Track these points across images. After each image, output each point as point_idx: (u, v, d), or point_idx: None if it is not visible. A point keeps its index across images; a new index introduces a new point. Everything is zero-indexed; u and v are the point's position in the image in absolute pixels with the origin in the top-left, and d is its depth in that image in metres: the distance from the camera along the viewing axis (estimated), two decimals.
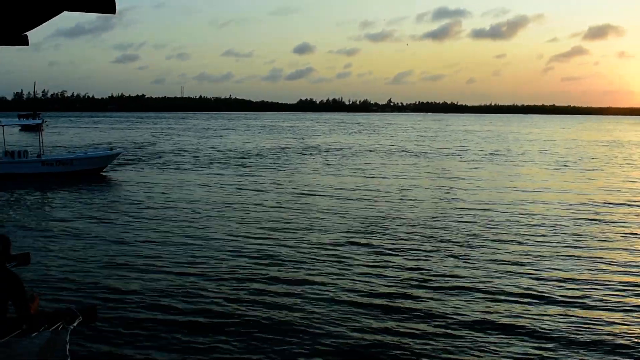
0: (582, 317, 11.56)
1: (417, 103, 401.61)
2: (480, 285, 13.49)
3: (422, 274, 14.47)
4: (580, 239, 18.38)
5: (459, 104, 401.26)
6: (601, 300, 12.59)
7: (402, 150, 57.99)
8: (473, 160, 47.42)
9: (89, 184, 31.05)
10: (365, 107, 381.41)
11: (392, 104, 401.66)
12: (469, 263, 15.43)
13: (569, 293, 13.05)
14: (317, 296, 12.73)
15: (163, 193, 27.81)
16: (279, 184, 31.54)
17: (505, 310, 11.94)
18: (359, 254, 16.34)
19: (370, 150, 57.40)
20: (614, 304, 12.35)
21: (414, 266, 15.13)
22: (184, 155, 49.45)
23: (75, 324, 5.63)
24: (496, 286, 13.49)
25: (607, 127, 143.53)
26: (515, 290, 13.22)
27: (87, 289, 13.12)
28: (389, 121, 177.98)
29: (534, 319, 11.45)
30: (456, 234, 18.97)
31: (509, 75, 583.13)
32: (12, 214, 23.15)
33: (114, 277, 14.10)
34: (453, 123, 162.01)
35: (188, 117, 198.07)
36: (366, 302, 12.36)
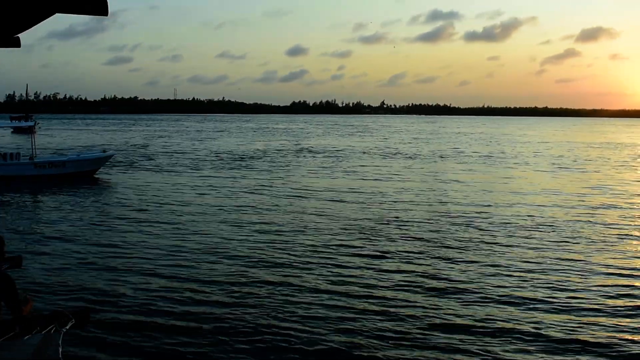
0: (576, 321, 11.58)
1: (410, 105, 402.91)
2: (475, 289, 13.49)
3: (416, 277, 14.46)
4: (576, 242, 18.41)
5: (452, 106, 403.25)
6: (596, 304, 12.61)
7: (397, 153, 58.05)
8: (467, 163, 47.53)
9: (82, 186, 30.94)
10: (358, 109, 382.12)
11: (385, 106, 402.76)
12: (463, 266, 15.44)
13: (564, 296, 13.07)
14: (311, 300, 12.71)
15: (156, 195, 27.75)
16: (272, 186, 31.52)
17: (500, 314, 11.96)
18: (352, 257, 16.32)
19: (365, 153, 57.45)
20: (608, 308, 12.35)
21: (408, 269, 15.14)
22: (176, 158, 49.37)
23: (67, 327, 5.62)
24: (490, 290, 13.50)
25: (601, 129, 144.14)
26: (510, 293, 13.24)
27: (80, 292, 13.06)
28: (383, 123, 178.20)
29: (528, 322, 11.47)
30: (450, 236, 18.99)
31: (502, 78, 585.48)
32: (4, 216, 23.02)
33: (107, 280, 14.05)
34: (446, 125, 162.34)
35: (181, 119, 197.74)
36: (360, 307, 12.34)
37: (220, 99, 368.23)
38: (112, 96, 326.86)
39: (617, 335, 10.81)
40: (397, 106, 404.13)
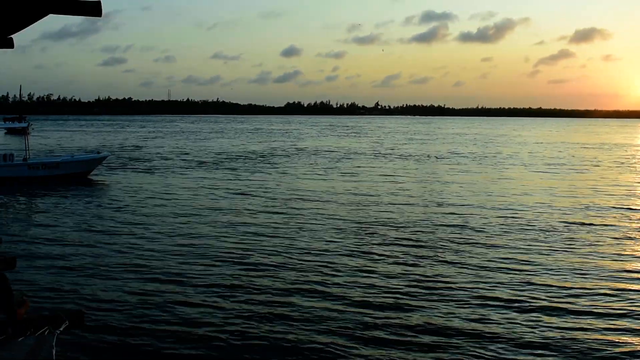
0: (570, 323, 11.61)
1: (404, 106, 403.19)
2: (470, 291, 13.50)
3: (410, 279, 14.48)
4: (571, 243, 18.44)
5: (446, 107, 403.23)
6: (589, 307, 12.65)
7: (392, 154, 58.09)
8: (462, 164, 47.59)
9: (76, 188, 30.85)
10: (352, 110, 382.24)
11: (379, 106, 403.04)
12: (457, 268, 15.44)
13: (557, 299, 13.11)
14: (304, 303, 12.71)
15: (150, 197, 27.69)
16: (267, 187, 31.49)
17: (494, 315, 11.98)
18: (347, 259, 16.33)
19: (360, 153, 57.47)
20: (603, 311, 12.38)
21: (403, 271, 15.15)
22: (170, 159, 49.29)
23: (61, 329, 5.60)
24: (484, 291, 13.53)
25: (595, 130, 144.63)
26: (503, 295, 13.27)
27: (74, 294, 13.02)
28: (377, 124, 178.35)
29: (522, 325, 11.49)
30: (445, 238, 19.01)
31: (496, 78, 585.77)
32: None
33: (101, 282, 14.01)
34: (441, 126, 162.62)
35: (175, 120, 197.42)
36: (354, 310, 12.35)
37: (215, 99, 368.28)
38: (106, 97, 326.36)
39: (610, 337, 10.84)
40: (392, 107, 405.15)
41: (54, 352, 5.31)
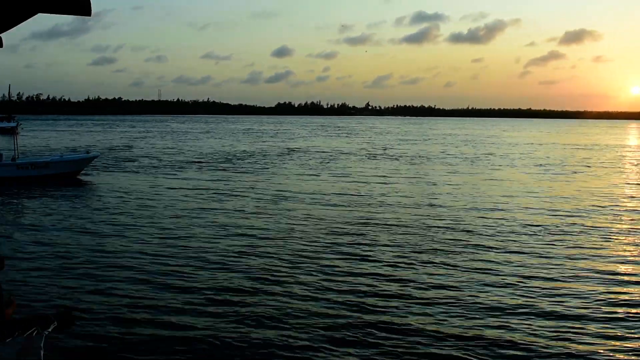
0: (563, 327, 11.65)
1: (395, 107, 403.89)
2: (461, 295, 13.51)
3: (401, 280, 14.51)
4: (562, 245, 18.52)
5: (436, 107, 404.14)
6: (582, 310, 12.69)
7: (383, 154, 58.15)
8: (453, 164, 47.69)
9: (65, 188, 30.69)
10: (343, 110, 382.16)
11: (370, 107, 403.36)
12: (449, 271, 15.44)
13: (551, 302, 13.14)
14: (295, 305, 12.69)
15: (139, 198, 27.59)
16: (258, 188, 31.45)
17: (486, 318, 12.00)
18: (338, 261, 16.33)
19: (351, 154, 57.49)
20: (597, 314, 12.42)
21: (394, 272, 15.17)
22: (160, 159, 49.13)
23: (50, 330, 5.54)
24: (476, 295, 13.55)
25: (585, 131, 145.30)
26: (495, 298, 13.30)
27: (63, 295, 12.93)
28: (369, 125, 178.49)
29: (514, 329, 11.52)
30: (437, 239, 19.04)
31: (486, 79, 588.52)
32: None
33: (90, 282, 13.93)
34: (432, 127, 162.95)
35: (166, 120, 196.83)
36: (345, 312, 12.35)
37: (205, 100, 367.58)
38: (96, 97, 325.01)
39: (603, 341, 10.88)
40: (382, 107, 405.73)
41: (42, 354, 5.26)
